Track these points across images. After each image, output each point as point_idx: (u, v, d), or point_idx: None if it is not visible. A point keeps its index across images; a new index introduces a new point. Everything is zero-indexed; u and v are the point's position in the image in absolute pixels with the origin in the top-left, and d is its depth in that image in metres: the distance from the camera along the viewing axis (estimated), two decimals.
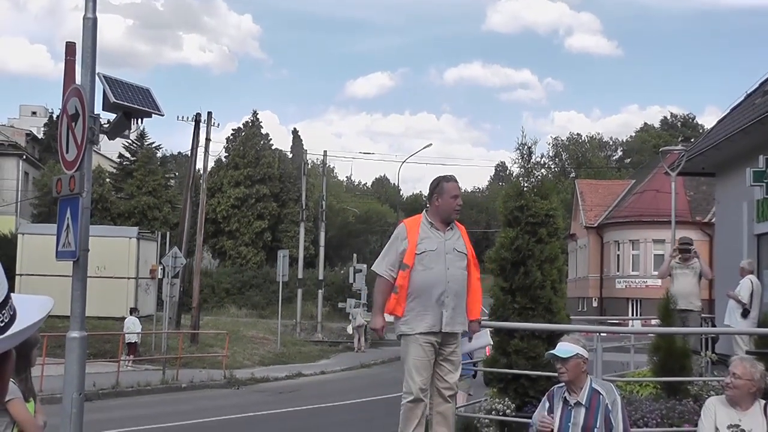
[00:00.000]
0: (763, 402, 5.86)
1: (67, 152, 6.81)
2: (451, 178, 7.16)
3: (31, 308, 3.30)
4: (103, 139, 7.18)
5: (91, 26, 6.73)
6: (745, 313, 13.73)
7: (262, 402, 19.53)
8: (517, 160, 9.41)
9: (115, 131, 6.97)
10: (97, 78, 6.70)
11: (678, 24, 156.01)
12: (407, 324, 6.79)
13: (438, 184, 7.10)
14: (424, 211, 7.18)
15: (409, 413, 6.74)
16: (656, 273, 24.98)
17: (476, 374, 11.42)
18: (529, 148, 9.29)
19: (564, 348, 5.75)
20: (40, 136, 65.40)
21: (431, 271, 6.83)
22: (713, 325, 16.92)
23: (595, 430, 5.57)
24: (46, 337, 20.22)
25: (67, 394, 6.80)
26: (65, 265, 7.15)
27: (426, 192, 7.60)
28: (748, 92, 20.16)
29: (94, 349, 23.92)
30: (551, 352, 5.83)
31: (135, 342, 25.97)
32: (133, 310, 27.40)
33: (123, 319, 26.66)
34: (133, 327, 25.77)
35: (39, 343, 5.13)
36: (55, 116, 62.82)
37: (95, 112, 6.65)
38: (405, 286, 6.80)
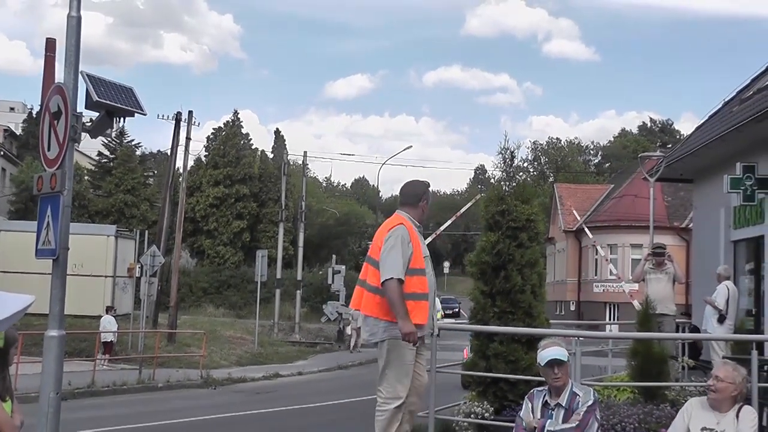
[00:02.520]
0: (738, 405, 5.93)
1: (48, 150, 6.75)
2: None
3: (7, 304, 3.28)
4: (84, 137, 7.13)
5: (75, 24, 6.68)
6: (721, 319, 13.82)
7: (239, 402, 19.46)
8: (498, 164, 9.41)
9: (97, 130, 6.93)
10: (80, 76, 6.66)
11: (654, 31, 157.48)
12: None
13: (427, 189, 7.15)
14: (404, 212, 7.01)
15: (393, 418, 6.68)
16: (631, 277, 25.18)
17: None
18: (512, 152, 9.31)
19: (561, 351, 5.79)
20: (18, 132, 64.87)
21: (430, 274, 6.88)
22: (692, 331, 17.03)
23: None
24: (21, 336, 20.08)
25: (44, 393, 6.75)
26: (42, 263, 7.10)
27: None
28: (726, 100, 20.33)
29: (70, 347, 23.71)
30: (554, 356, 5.80)
31: (111, 341, 25.81)
32: (109, 309, 27.22)
33: (100, 317, 26.49)
34: (108, 326, 25.61)
35: (17, 342, 5.09)
36: (34, 112, 62.43)
37: (78, 111, 6.61)
38: (427, 291, 6.74)
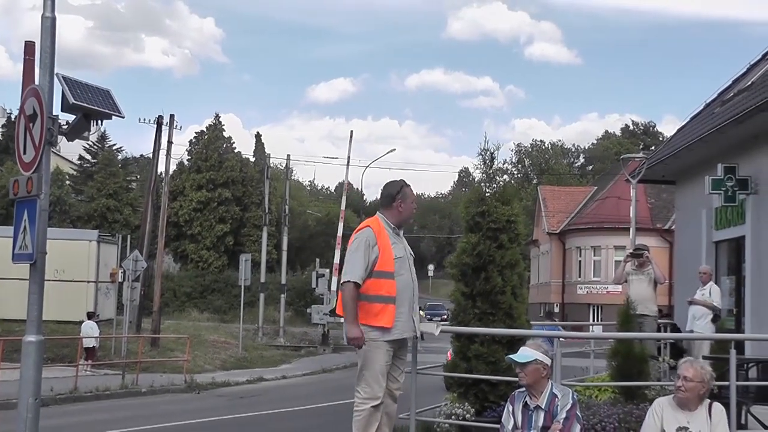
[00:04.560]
0: (708, 402, 5.98)
1: (24, 153, 6.69)
2: (408, 184, 7.14)
3: None
4: (62, 140, 7.08)
5: (49, 25, 6.62)
6: (715, 319, 13.80)
7: (223, 407, 19.42)
8: (479, 166, 9.40)
9: (74, 133, 6.86)
10: (55, 78, 6.60)
11: (636, 34, 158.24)
12: (378, 331, 6.68)
13: (401, 189, 7.05)
14: (379, 214, 7.03)
15: (371, 418, 6.71)
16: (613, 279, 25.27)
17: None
18: (492, 153, 9.31)
19: (523, 354, 5.86)
20: None
21: (403, 276, 6.82)
22: (673, 331, 17.08)
23: None
24: (1, 342, 19.96)
25: (23, 399, 6.69)
26: (22, 268, 7.04)
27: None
28: (707, 101, 20.42)
29: (52, 353, 23.61)
30: (511, 356, 5.91)
31: (93, 346, 25.68)
32: (91, 315, 27.07)
33: (82, 323, 26.35)
34: (90, 331, 25.48)
35: None
36: (13, 117, 62.07)
37: (54, 113, 6.56)
38: (395, 295, 6.69)
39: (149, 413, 17.98)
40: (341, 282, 6.77)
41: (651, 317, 13.51)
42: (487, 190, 9.34)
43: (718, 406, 6.04)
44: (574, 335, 14.26)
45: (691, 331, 14.09)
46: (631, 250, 14.69)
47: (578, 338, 16.39)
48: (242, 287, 34.05)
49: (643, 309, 12.83)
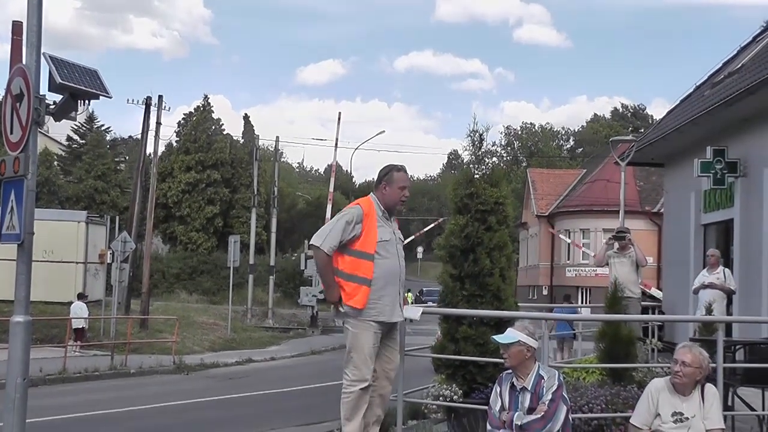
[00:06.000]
0: (700, 385, 5.96)
1: (11, 133, 6.66)
2: (401, 168, 7.04)
3: None
4: (49, 120, 7.04)
5: (36, 4, 6.58)
6: (730, 301, 13.75)
7: (211, 388, 19.46)
8: (468, 148, 9.38)
9: (61, 113, 6.81)
10: (42, 58, 6.56)
11: (625, 18, 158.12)
12: (366, 313, 6.67)
13: (388, 172, 6.99)
14: (373, 195, 6.99)
15: (359, 400, 6.71)
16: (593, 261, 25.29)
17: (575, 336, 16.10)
18: (481, 135, 9.28)
19: (507, 335, 5.89)
20: None
21: (388, 260, 6.79)
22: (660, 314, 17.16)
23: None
24: None
25: (11, 379, 6.69)
26: (10, 249, 7.02)
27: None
28: (697, 84, 20.42)
29: (41, 334, 23.60)
30: (495, 337, 6.01)
31: (82, 327, 25.68)
32: (81, 296, 27.06)
33: (71, 304, 26.34)
34: (79, 312, 25.47)
35: None
36: (0, 97, 61.81)
37: (41, 93, 6.52)
38: (371, 278, 6.67)
39: (138, 394, 18.01)
40: (311, 242, 6.86)
41: (635, 299, 13.55)
42: (476, 172, 9.30)
43: (711, 388, 6.01)
44: (559, 317, 14.29)
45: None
46: (613, 233, 14.68)
47: (567, 320, 16.43)
48: (231, 269, 34.05)
49: (627, 291, 12.85)
